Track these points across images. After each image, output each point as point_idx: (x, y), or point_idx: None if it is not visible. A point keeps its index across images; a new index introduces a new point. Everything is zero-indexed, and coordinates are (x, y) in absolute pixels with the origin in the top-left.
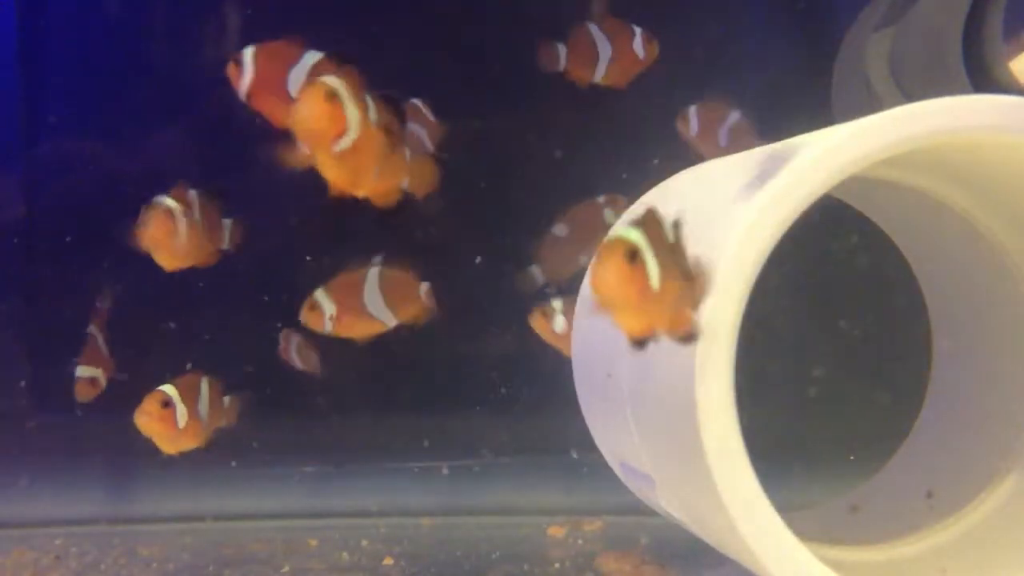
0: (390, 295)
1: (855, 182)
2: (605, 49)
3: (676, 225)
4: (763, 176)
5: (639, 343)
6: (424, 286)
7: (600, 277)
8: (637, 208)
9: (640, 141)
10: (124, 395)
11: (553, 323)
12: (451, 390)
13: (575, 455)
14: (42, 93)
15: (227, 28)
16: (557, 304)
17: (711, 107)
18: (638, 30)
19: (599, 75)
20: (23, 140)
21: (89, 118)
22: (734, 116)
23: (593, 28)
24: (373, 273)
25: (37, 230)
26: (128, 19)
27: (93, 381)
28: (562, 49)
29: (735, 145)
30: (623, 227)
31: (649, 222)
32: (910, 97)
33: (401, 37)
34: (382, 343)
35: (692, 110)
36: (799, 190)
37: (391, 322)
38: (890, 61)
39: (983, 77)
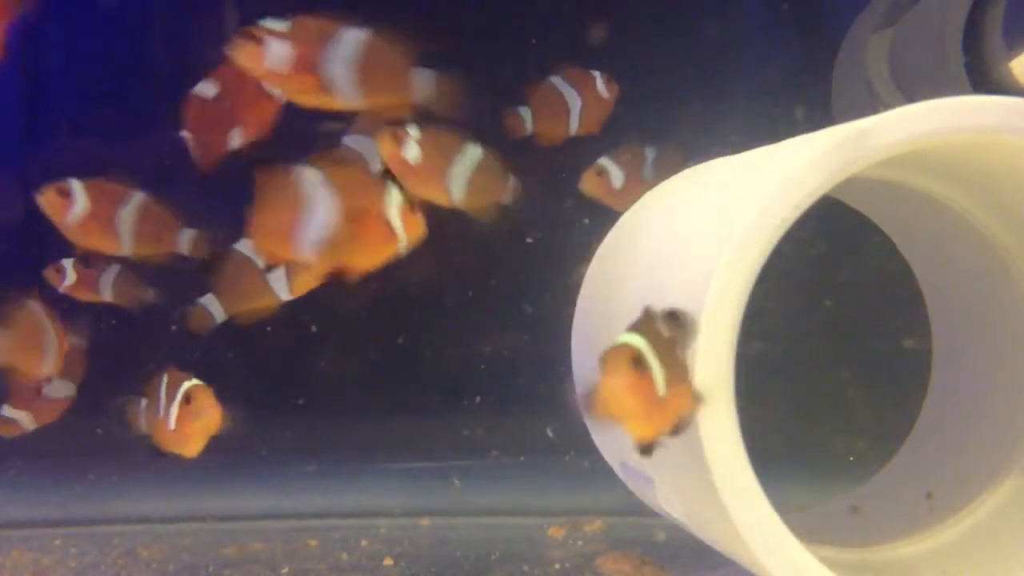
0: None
1: (855, 182)
2: (574, 100)
3: (673, 316)
4: (763, 177)
5: (646, 449)
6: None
7: (610, 389)
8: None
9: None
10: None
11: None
12: (451, 390)
13: (550, 433)
14: (42, 93)
15: (227, 27)
16: (607, 162)
17: (625, 153)
18: (597, 74)
19: (573, 128)
20: (23, 140)
21: (89, 118)
22: (651, 154)
23: (558, 81)
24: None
25: (37, 229)
26: (128, 19)
27: (12, 422)
28: (526, 112)
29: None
30: (624, 333)
31: (646, 323)
32: (910, 97)
33: None
34: (382, 344)
35: (607, 162)
36: (799, 191)
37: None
38: (890, 61)
39: (983, 77)
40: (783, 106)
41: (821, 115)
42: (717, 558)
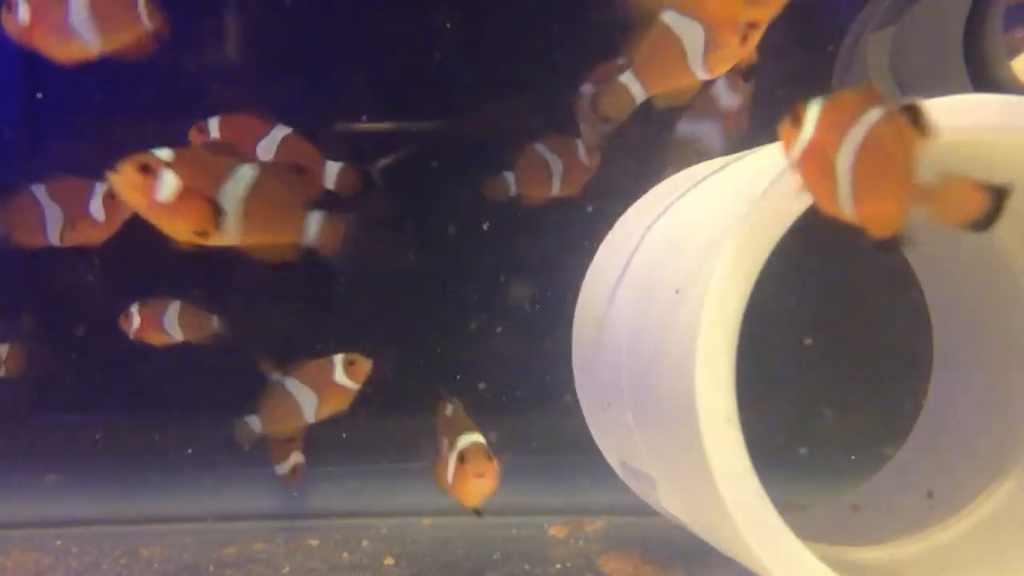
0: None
1: None
2: (556, 164)
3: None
4: (765, 174)
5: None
6: None
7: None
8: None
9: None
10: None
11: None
12: (451, 390)
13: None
14: (42, 93)
15: (227, 29)
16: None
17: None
18: (579, 141)
19: (554, 190)
20: (23, 140)
21: (89, 118)
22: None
23: (540, 147)
24: None
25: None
26: None
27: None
28: (510, 176)
29: None
30: None
31: None
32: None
33: None
34: (382, 344)
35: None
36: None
37: None
38: (891, 60)
39: (984, 76)
40: (783, 105)
41: None
42: (718, 558)
